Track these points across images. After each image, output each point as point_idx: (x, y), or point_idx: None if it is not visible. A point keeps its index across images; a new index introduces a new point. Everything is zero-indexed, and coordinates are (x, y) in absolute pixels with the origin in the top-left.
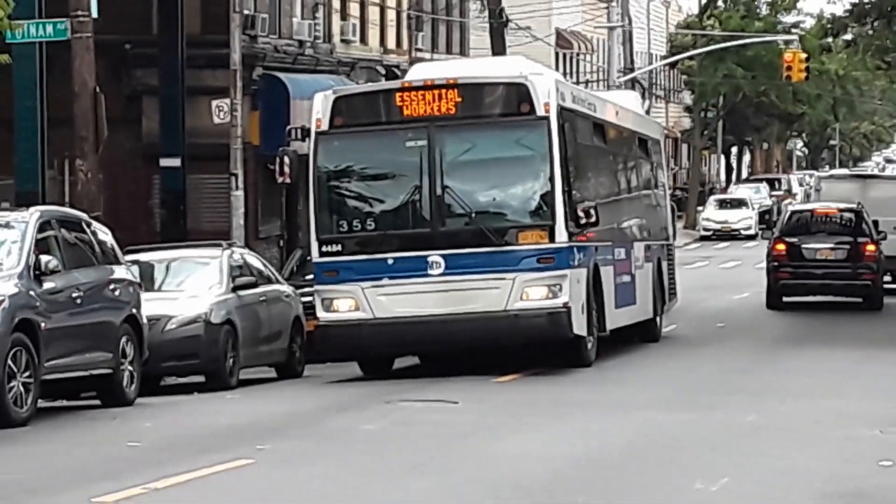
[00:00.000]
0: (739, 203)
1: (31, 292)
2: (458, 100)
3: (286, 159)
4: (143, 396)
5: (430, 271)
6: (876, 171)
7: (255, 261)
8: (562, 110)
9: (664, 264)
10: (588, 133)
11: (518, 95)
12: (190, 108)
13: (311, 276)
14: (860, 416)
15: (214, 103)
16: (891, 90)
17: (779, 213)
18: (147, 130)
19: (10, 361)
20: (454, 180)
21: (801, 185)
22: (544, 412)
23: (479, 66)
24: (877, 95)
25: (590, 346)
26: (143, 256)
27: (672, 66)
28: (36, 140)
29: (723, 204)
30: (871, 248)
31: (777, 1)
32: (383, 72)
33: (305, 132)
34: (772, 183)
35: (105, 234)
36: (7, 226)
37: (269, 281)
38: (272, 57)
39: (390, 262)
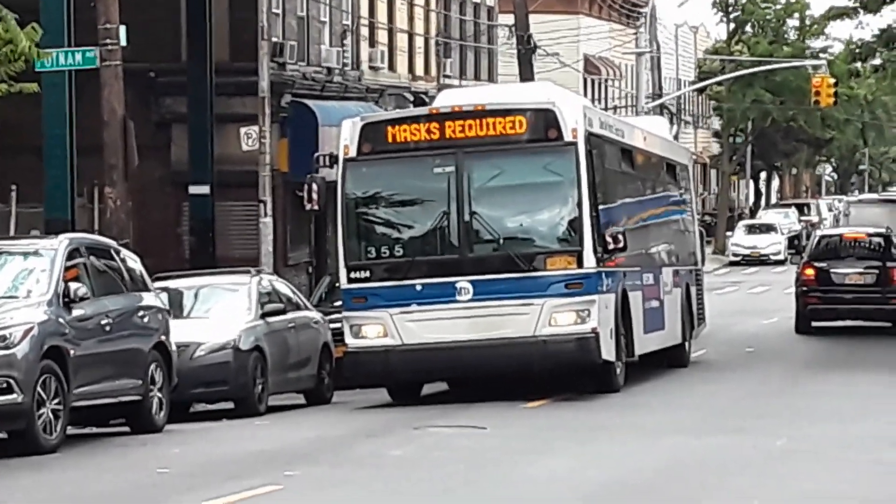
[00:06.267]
0: (768, 228)
1: (61, 319)
2: (486, 126)
3: (314, 186)
4: (172, 423)
5: (458, 297)
6: None
7: (283, 287)
8: (589, 136)
9: (693, 289)
10: (616, 159)
11: (546, 121)
12: (219, 136)
13: (339, 303)
14: (889, 440)
15: (243, 130)
16: None
17: (808, 237)
18: (176, 158)
19: (39, 388)
20: (482, 206)
21: (830, 209)
22: (573, 437)
23: (507, 93)
24: None
25: (618, 371)
26: (171, 283)
27: (700, 91)
28: (65, 168)
29: (752, 229)
30: None
31: (805, 26)
32: (411, 98)
33: (333, 159)
34: (801, 208)
35: (134, 262)
36: (36, 253)
37: (297, 307)
38: (301, 84)
39: (418, 288)
